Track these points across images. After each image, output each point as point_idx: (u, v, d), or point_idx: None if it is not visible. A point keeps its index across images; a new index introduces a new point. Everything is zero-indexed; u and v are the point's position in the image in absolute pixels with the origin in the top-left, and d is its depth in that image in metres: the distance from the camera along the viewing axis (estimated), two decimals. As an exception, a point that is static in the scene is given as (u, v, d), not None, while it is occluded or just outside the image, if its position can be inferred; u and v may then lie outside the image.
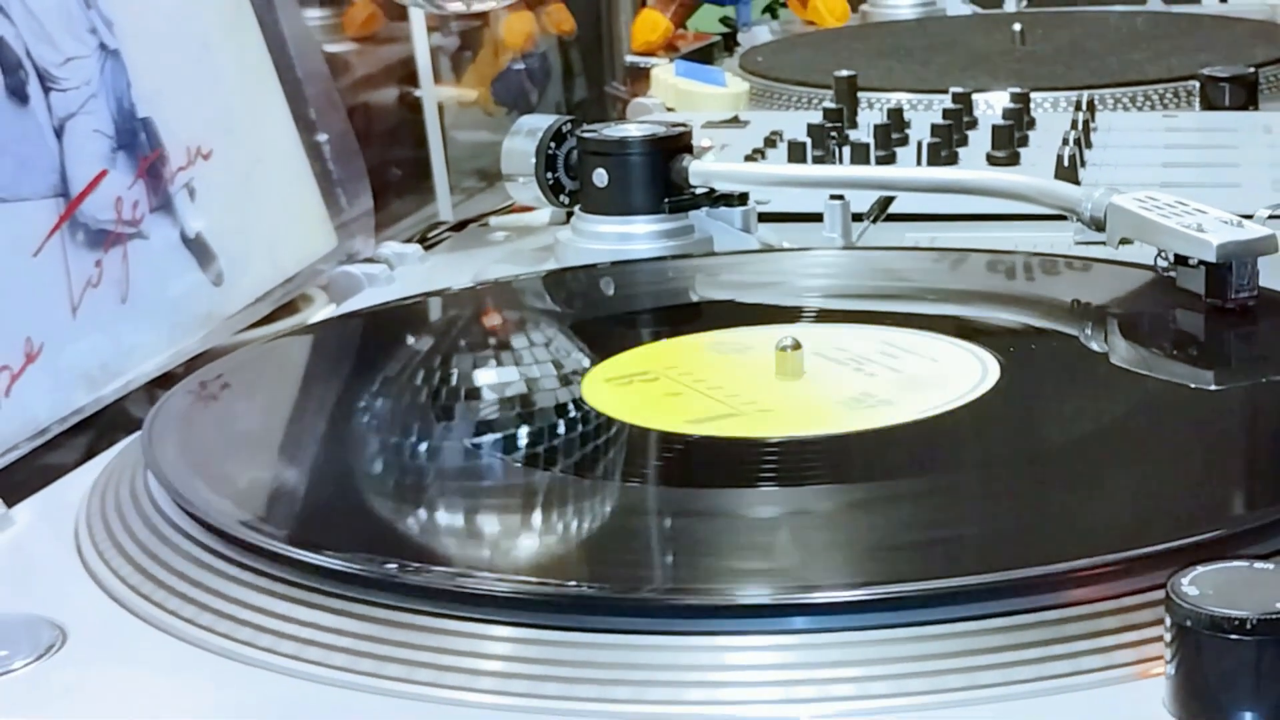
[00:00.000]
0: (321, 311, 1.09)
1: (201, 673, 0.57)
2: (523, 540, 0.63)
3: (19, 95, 0.82)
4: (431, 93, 1.42)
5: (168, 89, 0.94)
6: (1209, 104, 1.34)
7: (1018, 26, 1.61)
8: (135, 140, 0.90)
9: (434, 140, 1.39)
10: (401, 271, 1.05)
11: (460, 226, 1.20)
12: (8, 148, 0.80)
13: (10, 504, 0.71)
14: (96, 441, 0.86)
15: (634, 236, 1.00)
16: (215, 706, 0.55)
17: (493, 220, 1.18)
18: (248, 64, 1.04)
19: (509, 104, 1.84)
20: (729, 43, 1.86)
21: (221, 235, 0.95)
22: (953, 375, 0.75)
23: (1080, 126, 1.21)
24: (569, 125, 1.03)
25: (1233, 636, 0.49)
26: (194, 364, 0.92)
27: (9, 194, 0.80)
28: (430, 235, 1.18)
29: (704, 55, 1.73)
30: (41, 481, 0.74)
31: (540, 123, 1.03)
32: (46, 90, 0.84)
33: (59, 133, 0.84)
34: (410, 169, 1.62)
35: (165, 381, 0.91)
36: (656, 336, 0.83)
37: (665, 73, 1.44)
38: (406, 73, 1.74)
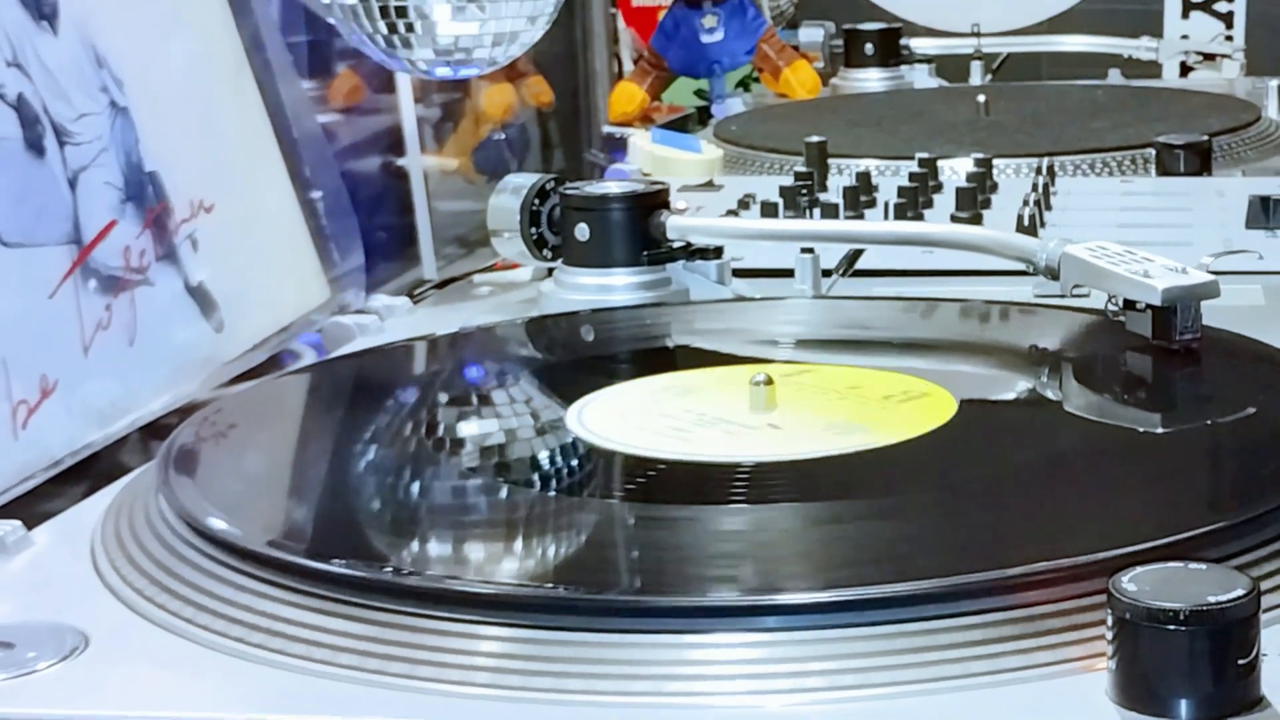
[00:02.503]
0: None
1: (215, 672, 0.61)
2: (526, 550, 0.68)
3: (36, 148, 0.87)
4: (417, 156, 1.47)
5: (173, 145, 0.98)
6: (1164, 170, 1.39)
7: (982, 98, 1.66)
8: (143, 193, 0.95)
9: (419, 201, 1.44)
10: (391, 323, 1.10)
11: (444, 285, 1.25)
12: (26, 197, 0.85)
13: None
14: (93, 488, 0.90)
15: (614, 288, 1.05)
16: (228, 701, 0.60)
17: (476, 277, 1.23)
18: (247, 124, 1.09)
19: (489, 172, 1.88)
20: (703, 115, 1.92)
21: (222, 284, 1.00)
22: (912, 410, 0.79)
23: (1040, 190, 1.26)
24: (552, 183, 1.08)
25: (1168, 627, 0.54)
26: (185, 410, 0.96)
27: (27, 240, 0.84)
28: (416, 292, 1.23)
29: (679, 127, 1.78)
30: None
31: (525, 180, 1.09)
32: (61, 144, 0.89)
33: (72, 184, 0.89)
34: (393, 235, 1.66)
35: (158, 432, 0.95)
36: (634, 375, 0.88)
37: (642, 140, 1.49)
38: (389, 143, 1.79)
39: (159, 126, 0.97)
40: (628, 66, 2.18)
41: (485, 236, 1.80)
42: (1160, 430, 0.80)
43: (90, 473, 0.91)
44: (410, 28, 1.16)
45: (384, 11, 1.15)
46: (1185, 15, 2.49)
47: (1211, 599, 0.54)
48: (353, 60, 1.86)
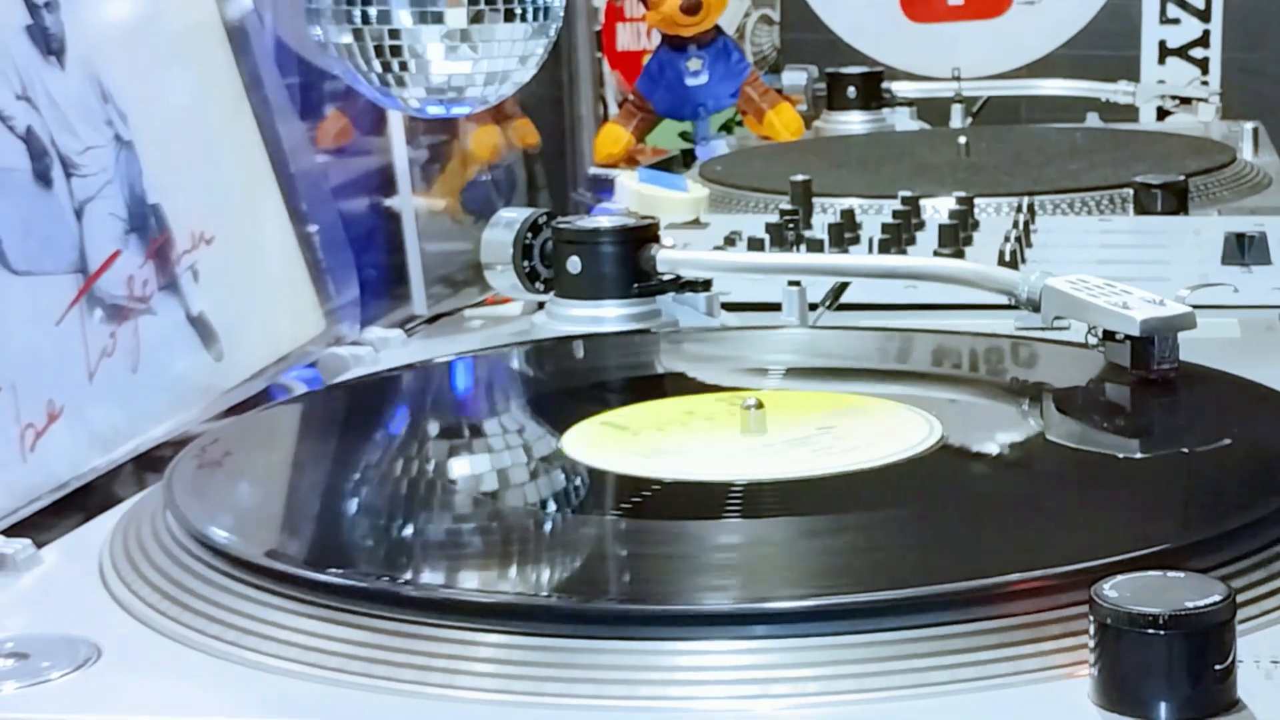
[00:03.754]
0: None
1: (225, 680, 0.63)
2: (526, 563, 0.70)
3: (45, 179, 0.89)
4: (408, 196, 1.49)
5: (175, 178, 1.01)
6: (1142, 209, 1.42)
7: (963, 140, 1.69)
8: (146, 224, 0.97)
9: (410, 239, 1.46)
10: (385, 354, 1.12)
11: (433, 320, 1.27)
12: (34, 227, 0.87)
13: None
14: (87, 517, 0.91)
15: (604, 319, 1.07)
16: (238, 707, 0.62)
17: (468, 312, 1.25)
18: (246, 159, 1.11)
19: (476, 213, 1.91)
20: (687, 158, 1.95)
21: (221, 315, 1.02)
22: (900, 434, 0.82)
23: (1021, 227, 1.29)
24: (544, 217, 1.11)
25: (1148, 631, 0.56)
26: (177, 442, 0.98)
27: (35, 268, 0.87)
28: (409, 327, 1.25)
29: (664, 169, 1.81)
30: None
31: (517, 215, 1.11)
32: (68, 176, 0.91)
33: (79, 214, 0.91)
34: (382, 273, 1.68)
35: (151, 464, 0.97)
36: (628, 401, 0.90)
37: (629, 179, 1.51)
38: (377, 183, 1.81)
39: (162, 160, 1.00)
40: (613, 110, 2.21)
41: (472, 276, 1.82)
42: (1139, 455, 0.83)
43: (85, 504, 0.93)
44: (404, 66, 1.19)
45: (379, 50, 1.18)
46: (1162, 61, 2.53)
47: (1189, 604, 0.56)
48: (341, 101, 1.89)
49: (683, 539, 0.71)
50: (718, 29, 2.02)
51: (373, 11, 1.17)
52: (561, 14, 1.24)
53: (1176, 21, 2.55)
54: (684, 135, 2.13)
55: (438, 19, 1.17)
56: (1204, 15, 2.54)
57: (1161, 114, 2.18)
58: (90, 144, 0.94)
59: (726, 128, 2.28)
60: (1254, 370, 0.90)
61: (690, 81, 1.98)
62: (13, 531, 0.80)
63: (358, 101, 1.86)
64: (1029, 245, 1.28)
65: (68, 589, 0.73)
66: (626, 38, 2.61)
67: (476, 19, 1.18)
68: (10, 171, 0.87)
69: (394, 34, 1.17)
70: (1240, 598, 0.61)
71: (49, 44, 0.92)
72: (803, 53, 2.36)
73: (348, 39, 1.17)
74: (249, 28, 1.14)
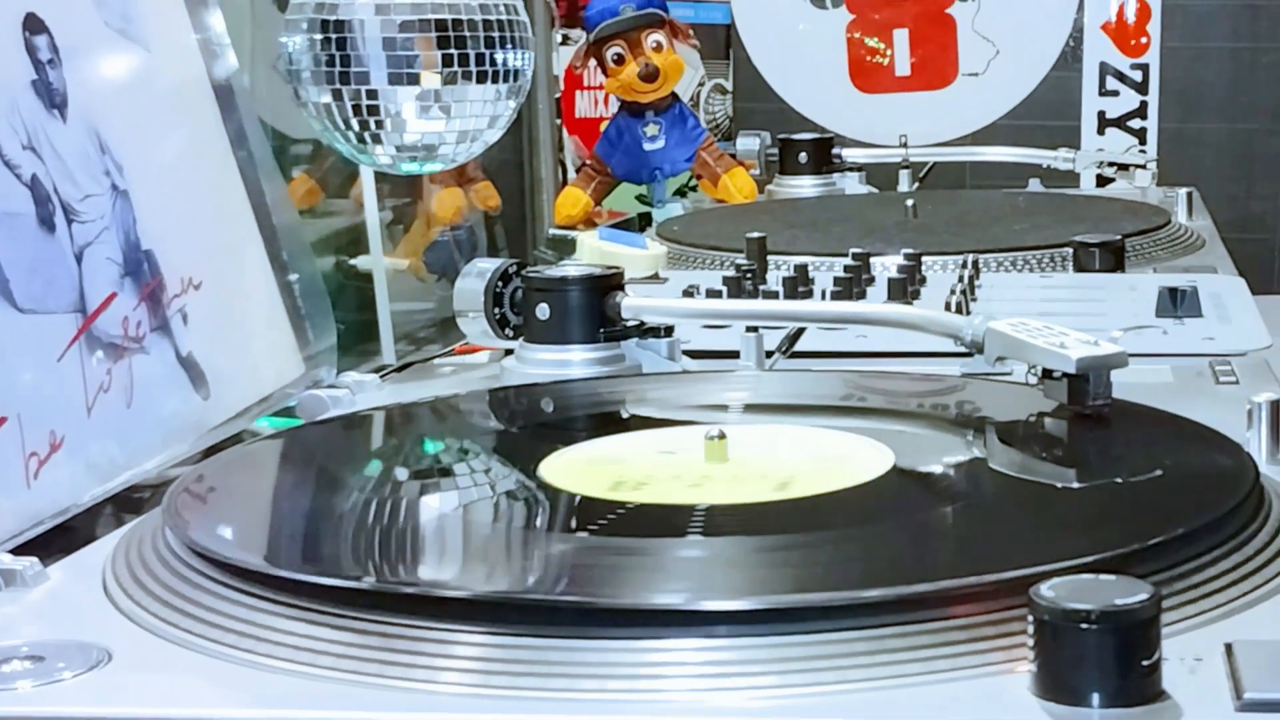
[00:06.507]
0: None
1: (223, 677, 0.69)
2: (505, 570, 0.76)
3: (48, 224, 0.94)
4: (379, 250, 1.54)
5: (167, 226, 1.06)
6: (1081, 267, 1.48)
7: (910, 202, 1.76)
8: (140, 269, 1.02)
9: (380, 293, 1.51)
10: (362, 397, 1.17)
11: (403, 369, 1.32)
12: (38, 268, 0.92)
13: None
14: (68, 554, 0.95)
15: (571, 363, 1.13)
16: (237, 700, 0.67)
17: (436, 360, 1.30)
18: (232, 210, 1.17)
19: (439, 272, 1.97)
20: (644, 220, 2.01)
21: (209, 356, 1.07)
22: (852, 464, 0.87)
23: (966, 282, 1.35)
24: (515, 267, 1.16)
25: (1080, 626, 0.61)
26: (155, 485, 1.03)
27: (39, 307, 0.92)
28: (383, 374, 1.30)
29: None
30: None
31: (489, 264, 1.17)
32: (69, 221, 0.96)
33: (78, 258, 0.97)
34: (350, 329, 1.73)
35: (127, 504, 1.02)
36: (599, 435, 0.96)
37: (589, 237, 1.57)
38: (343, 242, 1.87)
39: (154, 209, 1.05)
40: (571, 174, 2.27)
41: (434, 334, 1.87)
42: (1075, 482, 0.88)
43: (66, 543, 0.97)
44: (380, 125, 1.25)
45: (356, 110, 1.24)
46: (1101, 132, 2.62)
47: (1119, 601, 0.61)
48: (308, 165, 1.95)
49: (650, 552, 0.76)
50: (674, 96, 2.09)
51: (351, 73, 1.23)
52: (530, 77, 1.30)
53: (1115, 94, 2.64)
54: (641, 198, 2.19)
55: (413, 80, 1.23)
56: (1141, 88, 2.63)
57: (1101, 181, 2.25)
58: (89, 192, 0.99)
59: (681, 191, 2.34)
60: (1184, 410, 0.96)
61: (648, 146, 2.05)
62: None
63: (323, 164, 1.92)
64: (973, 299, 1.34)
65: (75, 601, 0.78)
66: (585, 105, 2.68)
67: (450, 80, 1.24)
68: (17, 216, 0.92)
69: (371, 94, 1.23)
70: (1169, 602, 0.67)
71: (52, 98, 0.98)
72: (755, 121, 2.43)
73: (326, 99, 1.23)
74: (235, 87, 1.19)
